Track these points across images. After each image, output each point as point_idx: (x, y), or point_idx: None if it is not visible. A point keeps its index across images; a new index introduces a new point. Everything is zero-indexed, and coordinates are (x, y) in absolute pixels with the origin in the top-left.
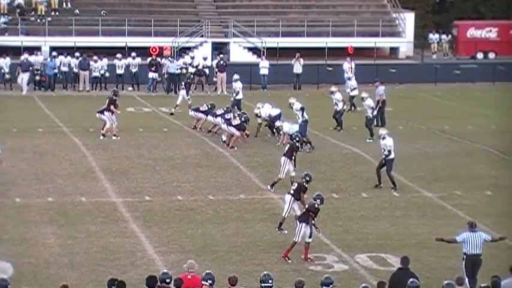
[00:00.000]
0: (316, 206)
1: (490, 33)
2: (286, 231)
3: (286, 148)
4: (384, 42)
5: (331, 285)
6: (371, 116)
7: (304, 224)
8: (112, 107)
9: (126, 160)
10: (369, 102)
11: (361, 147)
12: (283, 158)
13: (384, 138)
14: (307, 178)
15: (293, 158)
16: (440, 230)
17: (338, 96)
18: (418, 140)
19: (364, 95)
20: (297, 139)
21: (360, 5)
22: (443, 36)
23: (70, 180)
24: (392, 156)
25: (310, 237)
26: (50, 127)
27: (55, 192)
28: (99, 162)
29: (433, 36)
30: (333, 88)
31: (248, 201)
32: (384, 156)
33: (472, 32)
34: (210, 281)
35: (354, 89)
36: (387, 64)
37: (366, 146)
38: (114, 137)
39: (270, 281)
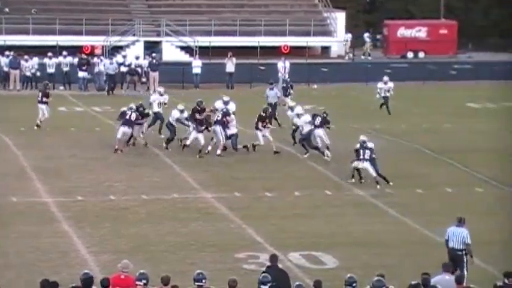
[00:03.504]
0: None
1: (420, 32)
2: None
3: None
4: (316, 42)
5: (354, 284)
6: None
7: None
8: (45, 98)
9: (58, 160)
10: (306, 118)
11: (294, 146)
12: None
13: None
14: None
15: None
16: (373, 228)
17: (299, 110)
18: (350, 139)
19: (299, 111)
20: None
21: (292, 4)
22: (366, 36)
23: (1, 180)
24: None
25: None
26: None
27: None
28: (30, 162)
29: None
30: (291, 103)
31: (182, 201)
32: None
33: (402, 32)
34: (144, 281)
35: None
36: (319, 63)
37: (299, 146)
38: (35, 127)
39: (204, 280)
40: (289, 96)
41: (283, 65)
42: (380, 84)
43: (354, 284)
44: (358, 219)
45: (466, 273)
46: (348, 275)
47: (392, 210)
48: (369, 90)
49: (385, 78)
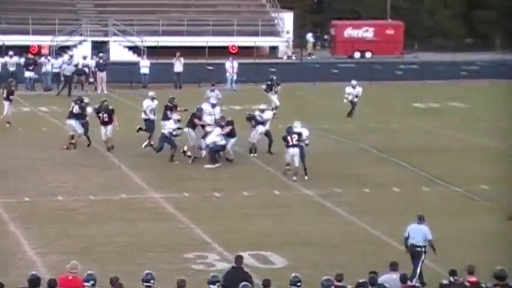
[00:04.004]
0: None
1: (367, 33)
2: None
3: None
4: (264, 42)
5: (298, 284)
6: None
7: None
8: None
9: (5, 160)
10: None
11: (242, 146)
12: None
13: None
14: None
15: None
16: (321, 227)
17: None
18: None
19: (262, 106)
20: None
21: (240, 4)
22: (309, 36)
23: None
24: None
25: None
26: None
27: None
28: None
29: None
30: (262, 106)
31: (130, 201)
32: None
33: (350, 32)
34: (92, 282)
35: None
36: (267, 63)
37: (246, 145)
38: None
39: (152, 281)
40: (276, 95)
41: (231, 65)
42: (348, 89)
43: (299, 284)
44: (306, 219)
45: (418, 270)
46: (293, 275)
47: (340, 210)
48: (317, 90)
49: (353, 82)
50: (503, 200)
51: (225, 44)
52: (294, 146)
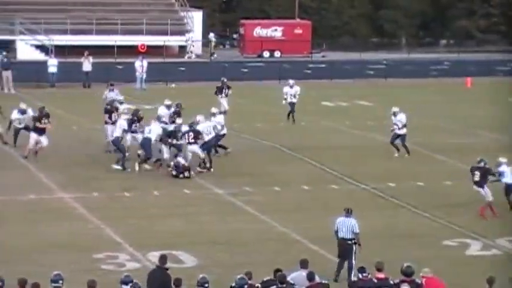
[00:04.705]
0: None
1: (276, 32)
2: None
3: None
4: (173, 41)
5: (206, 285)
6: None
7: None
8: None
9: None
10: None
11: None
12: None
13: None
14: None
15: None
16: (232, 226)
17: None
18: None
19: (213, 109)
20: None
21: (148, 3)
22: (211, 36)
23: None
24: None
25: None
26: None
27: None
28: None
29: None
30: (213, 109)
31: (38, 201)
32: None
33: (258, 31)
34: (60, 282)
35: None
36: (176, 62)
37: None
38: None
39: (61, 281)
40: (226, 98)
41: (140, 64)
42: (286, 88)
43: (206, 285)
44: (217, 218)
45: (354, 262)
46: (201, 276)
47: (250, 208)
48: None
49: (291, 81)
50: (408, 197)
51: (134, 43)
52: (190, 143)
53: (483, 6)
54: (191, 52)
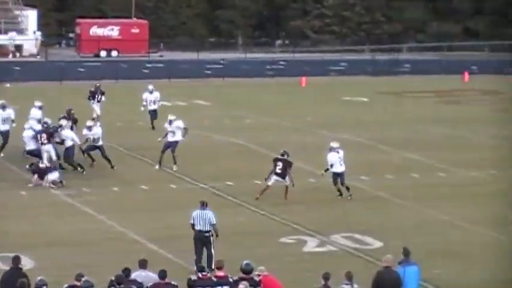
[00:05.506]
0: None
1: (113, 31)
2: None
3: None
4: (7, 40)
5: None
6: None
7: None
8: None
9: None
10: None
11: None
12: None
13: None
14: None
15: None
16: (70, 227)
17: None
18: None
19: (89, 123)
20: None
21: None
22: (37, 34)
23: None
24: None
25: None
26: None
27: None
28: None
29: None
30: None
31: None
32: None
33: (95, 31)
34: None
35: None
36: (11, 62)
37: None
38: None
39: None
40: (99, 104)
41: None
42: (145, 94)
43: (44, 287)
44: (55, 219)
45: (213, 252)
46: (39, 278)
47: (89, 209)
48: (64, 90)
49: (150, 87)
50: (246, 195)
51: None
52: (43, 143)
53: (316, 7)
54: (13, 51)
